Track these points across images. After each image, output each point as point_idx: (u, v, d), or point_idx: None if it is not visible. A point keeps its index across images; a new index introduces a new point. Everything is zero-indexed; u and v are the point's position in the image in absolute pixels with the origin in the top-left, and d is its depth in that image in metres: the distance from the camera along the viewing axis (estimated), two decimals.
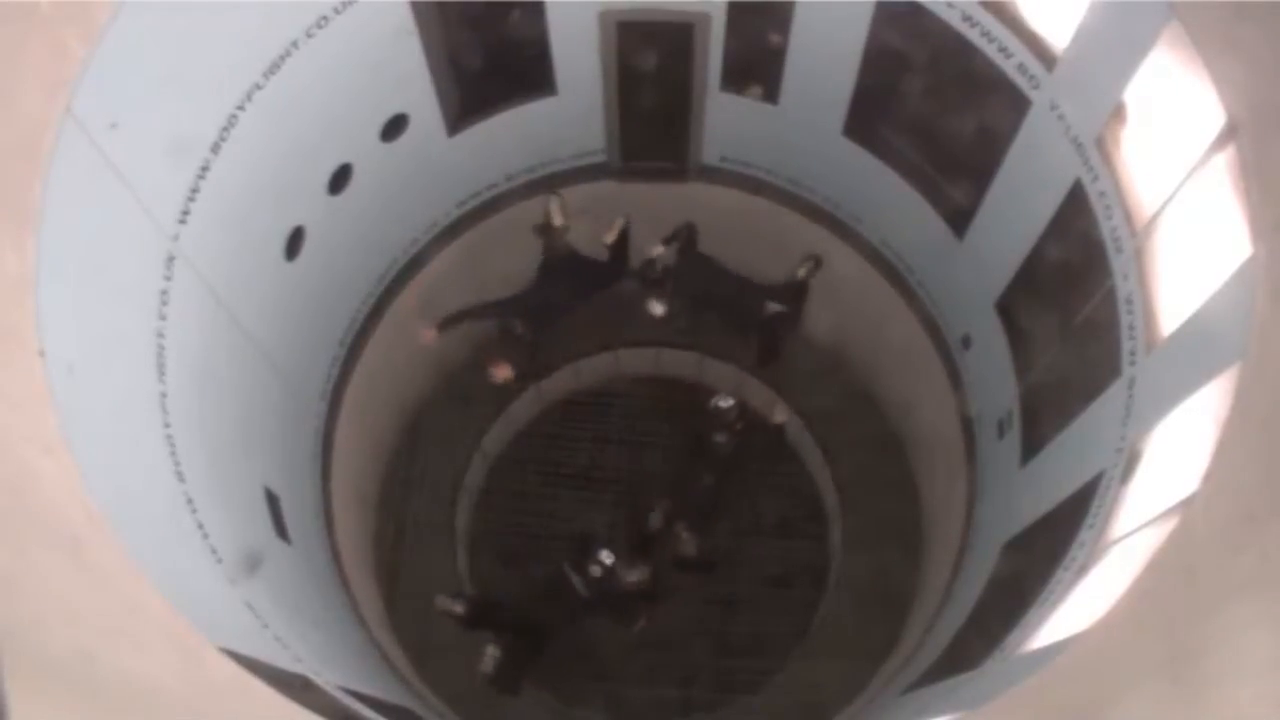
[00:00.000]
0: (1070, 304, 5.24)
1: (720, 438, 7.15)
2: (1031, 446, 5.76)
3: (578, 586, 6.68)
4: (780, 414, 7.50)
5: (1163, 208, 4.26)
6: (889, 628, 7.24)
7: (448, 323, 6.79)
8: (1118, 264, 4.64)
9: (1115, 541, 4.23)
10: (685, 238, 6.97)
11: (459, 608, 6.76)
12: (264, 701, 3.32)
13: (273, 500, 5.39)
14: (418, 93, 5.81)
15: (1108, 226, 4.67)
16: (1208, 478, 3.37)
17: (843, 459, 8.07)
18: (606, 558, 6.57)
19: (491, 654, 6.50)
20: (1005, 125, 5.30)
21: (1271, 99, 3.49)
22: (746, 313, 7.37)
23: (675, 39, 6.13)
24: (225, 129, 4.47)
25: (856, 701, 6.87)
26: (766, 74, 6.26)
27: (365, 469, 7.39)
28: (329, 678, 4.48)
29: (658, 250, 6.96)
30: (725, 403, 7.05)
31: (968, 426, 6.76)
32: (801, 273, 7.08)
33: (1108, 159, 4.62)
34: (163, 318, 4.20)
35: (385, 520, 7.66)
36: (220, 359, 4.88)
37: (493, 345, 7.35)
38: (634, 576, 6.69)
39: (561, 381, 8.43)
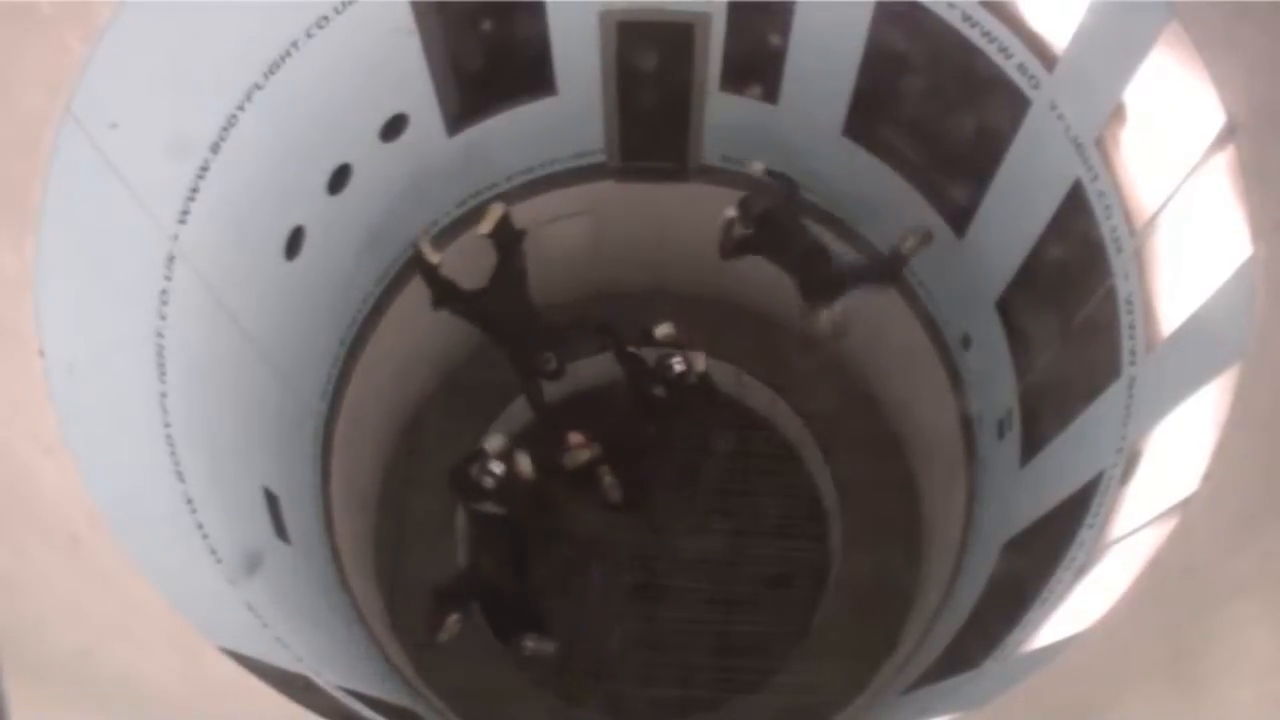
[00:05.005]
0: (1070, 304, 5.23)
1: (660, 391, 6.96)
2: (1031, 446, 5.76)
3: (494, 510, 6.59)
4: (700, 362, 7.05)
5: (1163, 208, 4.26)
6: (889, 628, 7.24)
7: None
8: (1118, 264, 4.64)
9: (1115, 541, 4.23)
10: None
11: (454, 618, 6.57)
12: (264, 701, 3.32)
13: (272, 500, 5.39)
14: (418, 93, 5.80)
15: (1108, 226, 4.67)
16: (1208, 478, 3.37)
17: (843, 459, 8.07)
18: (496, 468, 6.44)
19: (538, 645, 6.44)
20: (1005, 125, 5.30)
21: (1271, 99, 3.49)
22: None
23: (675, 39, 6.13)
24: (225, 129, 4.47)
25: (856, 701, 6.87)
26: (766, 74, 6.26)
27: (365, 469, 7.39)
28: (329, 678, 4.48)
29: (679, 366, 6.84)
30: (678, 365, 6.82)
31: (967, 426, 6.76)
32: (909, 245, 6.53)
33: (1108, 159, 4.61)
34: (163, 318, 4.20)
35: (385, 520, 7.66)
36: (220, 359, 4.88)
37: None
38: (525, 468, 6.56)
39: (561, 381, 8.42)
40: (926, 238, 6.48)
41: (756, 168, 6.64)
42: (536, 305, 7.08)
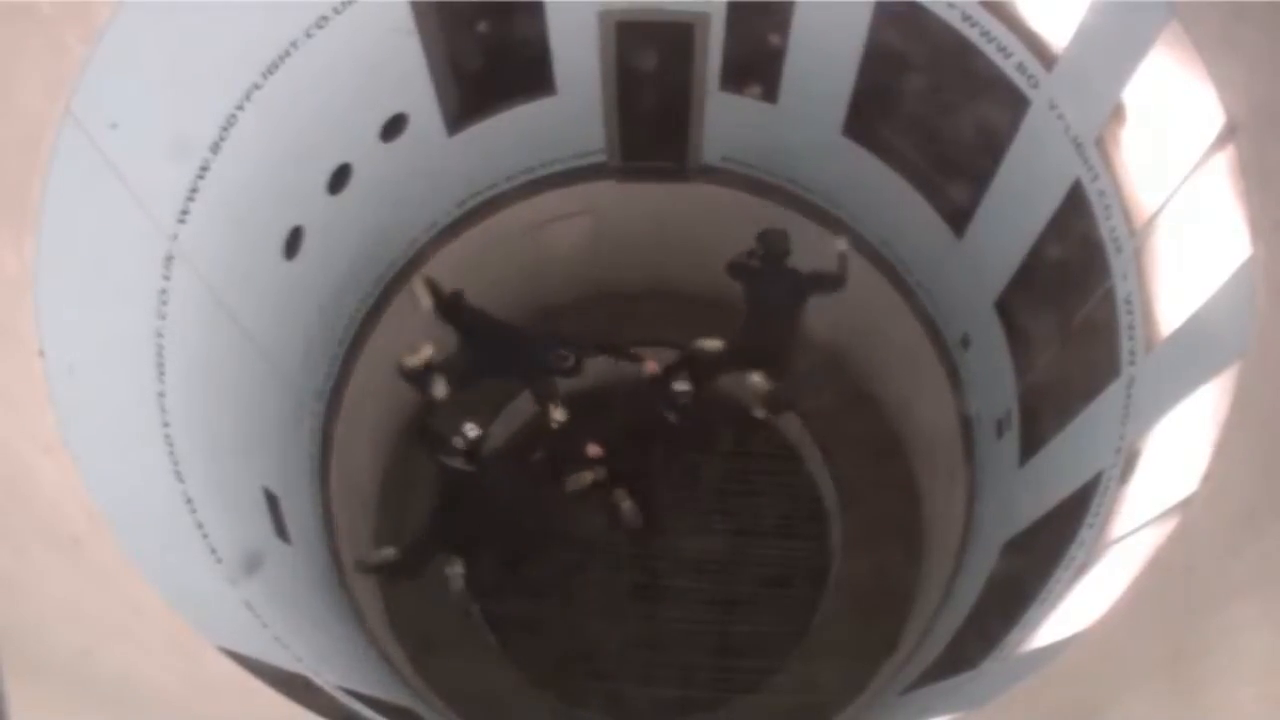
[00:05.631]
0: (1069, 304, 5.24)
1: (671, 417, 7.04)
2: (1031, 446, 5.76)
3: (461, 466, 6.57)
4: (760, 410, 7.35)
5: (1162, 208, 4.26)
6: (889, 628, 7.24)
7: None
8: (1117, 264, 4.64)
9: (1115, 541, 4.23)
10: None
11: (391, 551, 6.60)
12: (264, 701, 3.32)
13: (272, 500, 5.39)
14: (418, 93, 5.80)
15: (1107, 226, 4.67)
16: (1208, 478, 3.37)
17: (843, 459, 8.07)
18: (470, 431, 6.46)
19: (456, 572, 6.47)
20: (1005, 125, 5.30)
21: (1271, 99, 3.49)
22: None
23: (675, 39, 6.13)
24: (225, 129, 4.47)
25: (856, 701, 6.87)
26: (766, 74, 6.26)
27: (365, 469, 7.39)
28: (329, 678, 4.48)
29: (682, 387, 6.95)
30: (682, 386, 6.95)
31: (967, 426, 6.76)
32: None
33: (1107, 159, 4.61)
34: (162, 318, 4.20)
35: (385, 520, 7.65)
36: (220, 359, 4.88)
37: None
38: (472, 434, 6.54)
39: (561, 381, 8.42)
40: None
41: (840, 245, 6.71)
42: (516, 325, 7.16)
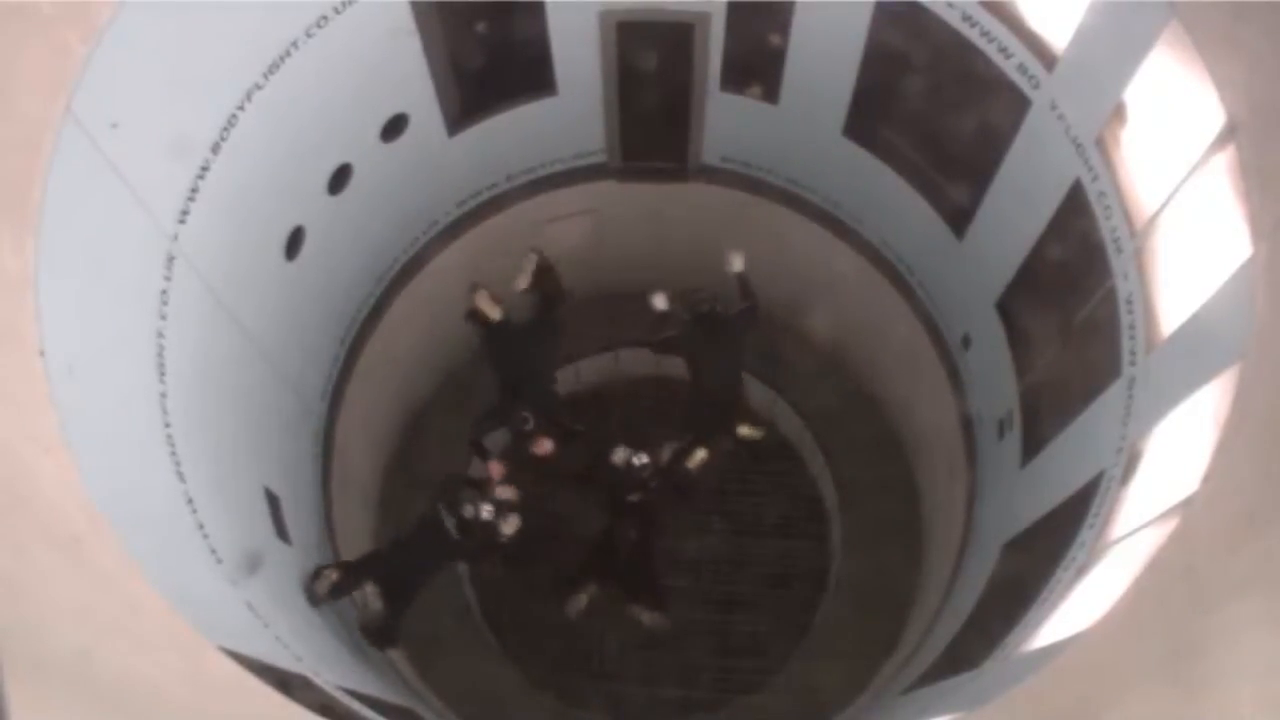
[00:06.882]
0: (1070, 304, 5.24)
1: (634, 496, 6.59)
2: (1031, 447, 5.76)
3: (450, 528, 6.20)
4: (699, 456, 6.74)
5: (1163, 208, 4.26)
6: (889, 628, 7.24)
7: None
8: (1118, 264, 4.64)
9: (1115, 541, 4.23)
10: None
11: (335, 575, 6.06)
12: (264, 701, 3.32)
13: (273, 500, 5.39)
14: (418, 93, 5.81)
15: (1108, 226, 4.67)
16: (1208, 478, 3.38)
17: (843, 459, 8.08)
18: (486, 512, 6.13)
19: (373, 592, 6.03)
20: (1005, 125, 5.30)
21: (1271, 99, 3.49)
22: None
23: (675, 39, 6.14)
24: (225, 129, 4.47)
25: (856, 701, 6.87)
26: (766, 74, 6.26)
27: (365, 469, 7.39)
28: (329, 678, 4.48)
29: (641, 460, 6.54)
30: (640, 460, 6.47)
31: (968, 426, 6.76)
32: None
33: (1108, 159, 4.62)
34: (163, 318, 4.21)
35: (385, 520, 7.66)
36: (220, 359, 4.88)
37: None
38: (509, 529, 6.21)
39: (561, 381, 8.42)
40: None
41: (735, 265, 6.39)
42: (553, 372, 6.95)
